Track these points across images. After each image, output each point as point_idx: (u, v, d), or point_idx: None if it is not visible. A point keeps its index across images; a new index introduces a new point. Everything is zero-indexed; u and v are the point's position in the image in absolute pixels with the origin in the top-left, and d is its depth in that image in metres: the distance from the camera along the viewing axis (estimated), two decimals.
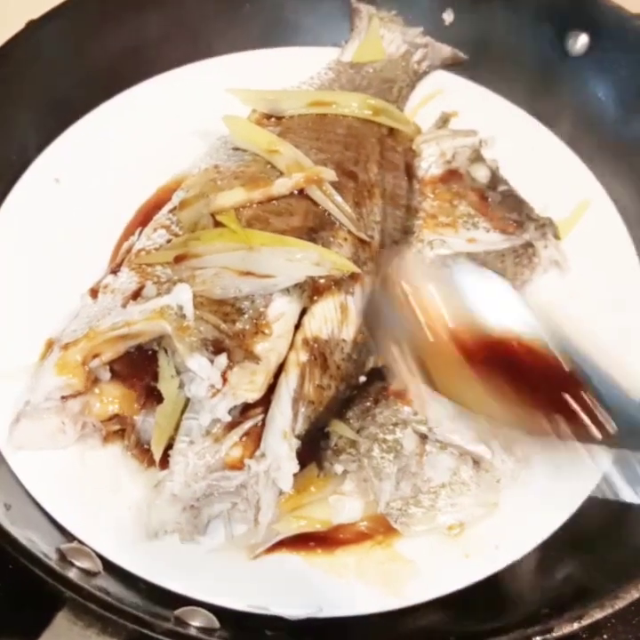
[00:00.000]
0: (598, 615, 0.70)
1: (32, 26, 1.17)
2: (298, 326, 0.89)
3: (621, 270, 1.04)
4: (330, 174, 0.97)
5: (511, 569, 0.81)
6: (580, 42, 1.17)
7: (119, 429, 0.89)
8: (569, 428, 0.74)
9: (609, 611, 0.70)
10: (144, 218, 1.07)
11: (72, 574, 0.74)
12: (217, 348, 0.84)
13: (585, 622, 0.70)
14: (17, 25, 1.18)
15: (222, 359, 0.83)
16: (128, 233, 1.06)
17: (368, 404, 0.89)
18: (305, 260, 0.89)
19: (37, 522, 0.82)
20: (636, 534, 0.79)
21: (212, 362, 0.83)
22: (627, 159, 1.11)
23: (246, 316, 0.88)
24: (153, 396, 0.88)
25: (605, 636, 0.86)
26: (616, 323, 0.99)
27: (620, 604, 0.70)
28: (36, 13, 1.18)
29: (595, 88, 1.17)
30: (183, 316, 0.86)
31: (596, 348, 0.88)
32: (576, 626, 0.70)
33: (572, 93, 1.18)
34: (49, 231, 1.06)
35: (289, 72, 1.18)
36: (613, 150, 1.13)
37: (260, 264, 0.89)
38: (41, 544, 0.77)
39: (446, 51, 1.24)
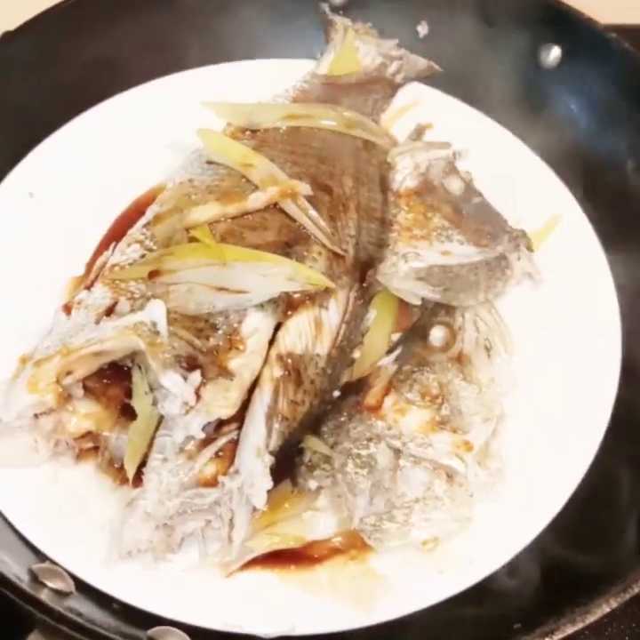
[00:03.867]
0: (570, 630, 0.70)
1: (5, 38, 1.17)
2: (272, 341, 0.89)
3: (593, 283, 1.05)
4: (304, 188, 0.97)
5: (485, 584, 0.81)
6: (553, 54, 1.18)
7: (92, 447, 0.89)
8: None
9: (580, 625, 0.71)
10: (118, 232, 1.06)
11: (43, 595, 0.74)
12: (190, 364, 0.84)
13: (556, 637, 0.70)
14: None
15: (196, 376, 0.83)
16: (102, 247, 1.05)
17: (342, 419, 0.88)
18: (278, 275, 0.89)
19: (9, 541, 0.81)
20: (607, 549, 0.80)
21: (185, 378, 0.83)
22: (599, 171, 1.12)
23: (220, 331, 0.87)
24: (127, 414, 0.87)
25: None
26: (586, 335, 1.00)
27: (590, 618, 0.70)
28: (10, 24, 1.19)
29: (568, 100, 1.18)
30: (157, 333, 0.85)
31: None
32: None
33: (546, 106, 1.18)
34: (22, 246, 1.05)
35: (264, 85, 1.18)
36: (586, 162, 1.13)
37: (233, 279, 0.89)
38: (13, 565, 0.76)
39: (421, 63, 1.25)
